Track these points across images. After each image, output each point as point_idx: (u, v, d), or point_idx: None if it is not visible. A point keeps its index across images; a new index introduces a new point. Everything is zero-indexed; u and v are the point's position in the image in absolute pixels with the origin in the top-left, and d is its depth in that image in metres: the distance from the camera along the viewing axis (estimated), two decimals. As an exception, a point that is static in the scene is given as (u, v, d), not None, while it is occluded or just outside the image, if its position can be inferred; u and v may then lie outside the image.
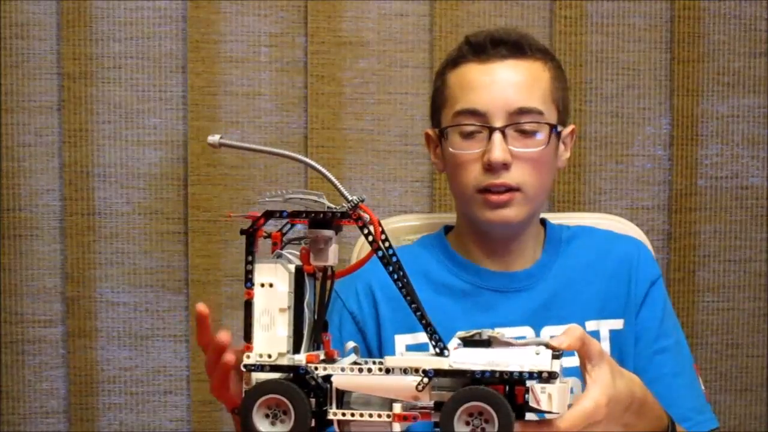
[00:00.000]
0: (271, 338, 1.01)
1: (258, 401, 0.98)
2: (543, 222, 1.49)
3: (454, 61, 1.41)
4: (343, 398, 1.00)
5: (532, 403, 0.95)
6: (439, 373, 0.96)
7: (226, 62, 2.05)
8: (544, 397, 0.95)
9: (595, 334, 1.38)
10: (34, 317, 2.06)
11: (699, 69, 2.13)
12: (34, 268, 2.06)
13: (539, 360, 0.96)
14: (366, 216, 1.00)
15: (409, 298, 0.99)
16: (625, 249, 1.46)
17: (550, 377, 0.95)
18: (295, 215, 1.01)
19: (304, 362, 0.99)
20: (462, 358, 0.97)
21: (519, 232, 1.41)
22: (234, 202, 2.06)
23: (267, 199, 1.03)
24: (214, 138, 1.03)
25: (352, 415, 0.99)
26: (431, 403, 0.97)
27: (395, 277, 1.00)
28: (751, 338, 2.18)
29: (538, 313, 1.39)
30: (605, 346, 1.38)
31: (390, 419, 0.98)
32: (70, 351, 2.06)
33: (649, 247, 1.58)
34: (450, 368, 0.96)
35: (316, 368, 0.99)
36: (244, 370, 1.00)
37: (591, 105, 2.12)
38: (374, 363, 0.99)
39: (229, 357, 1.02)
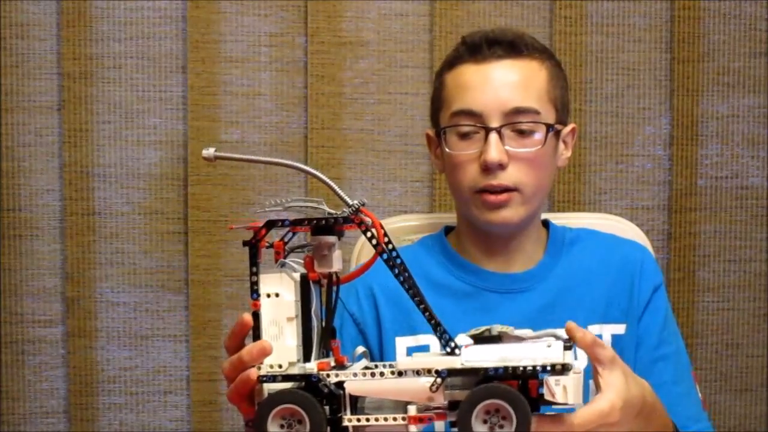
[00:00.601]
0: (281, 348, 1.01)
1: (272, 412, 0.98)
2: (546, 223, 1.48)
3: (451, 62, 1.41)
4: (356, 404, 1.00)
5: (548, 397, 0.95)
6: (452, 372, 0.96)
7: (226, 62, 2.05)
8: (559, 390, 0.94)
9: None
10: (34, 317, 2.06)
11: (699, 69, 2.13)
12: (34, 268, 2.06)
13: (551, 352, 0.95)
14: (368, 220, 1.00)
15: (417, 299, 0.99)
16: (629, 253, 1.45)
17: (563, 369, 0.94)
18: (297, 223, 1.01)
19: (315, 370, 0.99)
20: (474, 356, 0.97)
21: (518, 233, 1.41)
22: (234, 202, 2.06)
23: (267, 208, 1.03)
24: (208, 151, 1.03)
25: (367, 420, 0.99)
26: (446, 403, 0.97)
27: (401, 279, 0.99)
28: (751, 338, 2.18)
29: (539, 316, 1.38)
30: None
31: (405, 422, 0.98)
32: (70, 351, 2.06)
33: (650, 247, 1.58)
34: (462, 367, 0.96)
35: (328, 375, 0.99)
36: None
37: (591, 105, 2.12)
38: (386, 366, 0.99)
39: (254, 372, 1.01)
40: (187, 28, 2.04)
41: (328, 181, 1.02)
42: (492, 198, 1.34)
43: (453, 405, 0.96)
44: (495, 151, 1.33)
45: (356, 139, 2.08)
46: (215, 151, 1.03)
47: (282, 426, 0.98)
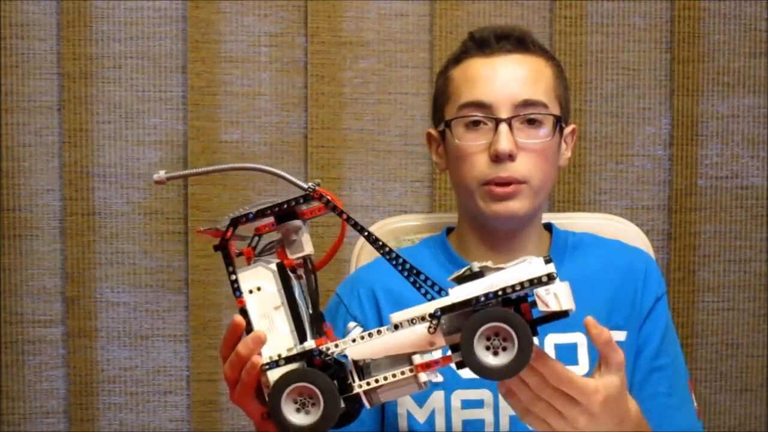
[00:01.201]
0: (276, 338, 1.02)
1: (284, 395, 0.99)
2: (549, 227, 1.48)
3: (458, 57, 1.41)
4: (363, 371, 1.01)
5: (542, 308, 0.97)
6: (445, 310, 0.98)
7: (226, 62, 2.05)
8: (551, 298, 0.97)
9: None
10: (34, 317, 2.06)
11: (699, 69, 2.13)
12: (34, 268, 2.06)
13: (533, 268, 0.98)
14: (326, 197, 1.02)
15: (389, 256, 1.02)
16: (633, 261, 1.44)
17: (549, 278, 0.97)
18: (260, 214, 1.03)
19: (314, 345, 1.00)
20: (462, 292, 0.98)
21: (520, 231, 1.41)
22: (234, 202, 2.06)
23: (231, 215, 1.05)
24: (159, 175, 1.05)
25: (377, 381, 1.00)
26: (448, 347, 0.98)
27: (379, 243, 1.02)
28: (751, 338, 2.18)
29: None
30: None
31: (413, 372, 0.99)
32: (70, 351, 2.06)
33: (650, 247, 1.58)
34: (454, 303, 0.98)
35: (328, 348, 1.00)
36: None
37: (591, 105, 2.12)
38: (383, 327, 1.01)
39: (258, 359, 1.02)
40: (187, 28, 2.04)
41: (279, 172, 1.04)
42: (500, 190, 1.34)
43: (455, 347, 0.98)
44: (506, 141, 1.32)
45: (356, 139, 2.08)
46: (165, 172, 1.05)
47: (298, 410, 0.99)
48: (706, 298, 2.17)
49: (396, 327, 0.99)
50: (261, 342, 1.02)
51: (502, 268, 0.99)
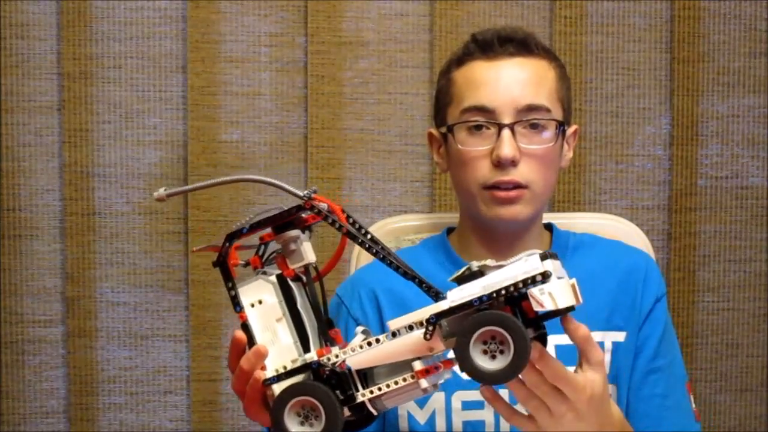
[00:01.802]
0: (280, 350, 1.02)
1: (285, 409, 0.99)
2: (550, 227, 1.48)
3: (460, 59, 1.40)
4: (366, 378, 1.00)
5: (537, 308, 0.95)
6: (440, 315, 0.97)
7: (226, 62, 2.05)
8: (546, 298, 0.95)
9: (600, 346, 1.37)
10: (34, 317, 2.06)
11: (699, 69, 2.13)
12: (34, 268, 2.06)
13: (529, 265, 0.96)
14: (323, 205, 1.01)
15: (394, 264, 1.01)
16: (634, 262, 1.44)
17: (543, 277, 0.94)
18: (255, 227, 1.02)
19: (315, 357, 1.00)
20: (458, 295, 0.97)
21: (522, 233, 1.41)
22: (234, 202, 2.06)
23: (234, 228, 1.04)
24: (159, 193, 1.05)
25: (379, 389, 1.00)
26: (449, 351, 0.98)
27: (373, 250, 1.01)
28: (751, 338, 2.18)
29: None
30: (606, 357, 1.37)
31: (414, 378, 0.98)
32: (70, 351, 2.06)
33: (650, 247, 1.58)
34: (449, 307, 0.97)
35: (329, 359, 1.00)
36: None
37: (591, 105, 2.12)
38: (381, 335, 1.00)
39: (260, 374, 1.02)
40: (187, 28, 2.04)
41: (275, 182, 1.03)
42: (502, 194, 1.34)
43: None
44: (509, 147, 1.32)
45: (356, 139, 2.08)
46: (165, 189, 1.05)
47: (302, 422, 0.99)
48: (706, 298, 2.17)
49: (394, 334, 0.99)
50: (262, 356, 1.02)
51: (502, 266, 0.98)
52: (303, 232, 1.04)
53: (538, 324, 0.99)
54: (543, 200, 1.39)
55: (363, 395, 1.00)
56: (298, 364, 1.01)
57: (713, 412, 2.17)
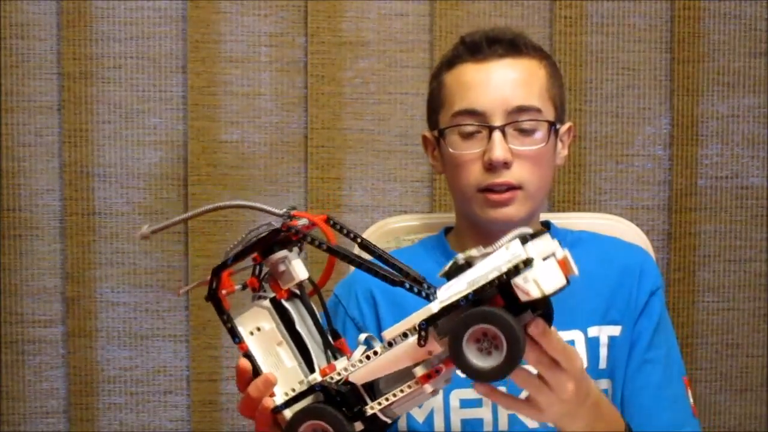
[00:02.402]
0: (285, 374, 1.02)
1: None
2: (547, 225, 1.48)
3: (450, 61, 1.40)
4: (373, 390, 1.00)
5: (525, 298, 0.93)
6: (431, 319, 0.95)
7: (226, 62, 2.05)
8: (531, 286, 0.92)
9: (596, 341, 1.37)
10: (34, 317, 2.06)
11: (699, 69, 2.13)
12: (34, 268, 2.06)
13: (511, 253, 0.94)
14: (303, 220, 1.00)
15: (373, 271, 1.00)
16: (630, 258, 1.44)
17: (525, 264, 0.92)
18: (239, 256, 1.01)
19: (318, 378, 1.00)
20: (446, 294, 0.96)
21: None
22: (234, 202, 2.06)
23: (230, 252, 1.03)
24: (143, 231, 1.04)
25: (387, 399, 0.99)
26: (447, 350, 0.97)
27: (356, 261, 1.00)
28: (751, 338, 2.18)
29: None
30: (603, 352, 1.37)
31: (419, 384, 0.98)
32: (70, 351, 2.06)
33: (650, 247, 1.58)
34: (437, 311, 0.95)
35: (332, 378, 0.99)
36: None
37: (591, 105, 2.12)
38: (378, 347, 0.99)
39: (269, 401, 1.03)
40: (187, 28, 2.04)
41: (251, 203, 1.02)
42: (496, 196, 1.35)
43: None
44: (500, 149, 1.33)
45: (356, 139, 2.08)
46: (148, 226, 1.04)
47: None
48: (706, 298, 2.17)
49: (390, 344, 0.98)
50: (271, 385, 1.03)
51: (489, 254, 0.96)
52: (291, 250, 1.02)
53: (541, 305, 0.96)
54: (538, 200, 1.39)
55: (372, 408, 0.99)
56: (304, 386, 1.00)
57: (713, 412, 2.17)
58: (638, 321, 1.40)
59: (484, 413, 1.35)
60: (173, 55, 2.05)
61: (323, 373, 1.00)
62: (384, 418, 1.01)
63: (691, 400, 1.41)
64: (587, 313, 1.39)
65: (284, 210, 1.00)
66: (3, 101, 2.02)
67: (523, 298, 0.93)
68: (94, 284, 2.06)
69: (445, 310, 0.95)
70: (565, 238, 1.46)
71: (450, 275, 0.98)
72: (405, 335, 0.97)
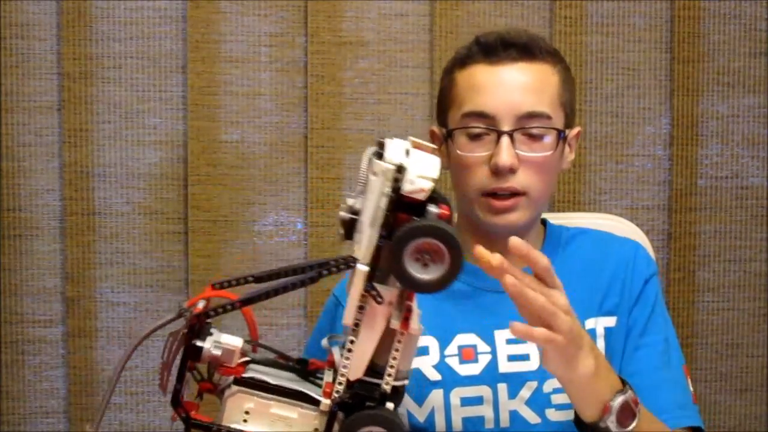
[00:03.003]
0: (300, 425, 1.00)
1: None
2: (544, 222, 1.48)
3: (463, 60, 1.40)
4: (376, 371, 0.99)
5: (422, 196, 0.94)
6: (369, 279, 0.95)
7: (226, 62, 2.05)
8: (421, 182, 0.94)
9: (592, 332, 1.38)
10: (34, 317, 2.06)
11: (699, 69, 2.13)
12: (34, 268, 2.06)
13: (381, 173, 0.94)
14: (199, 303, 1.00)
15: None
16: (622, 250, 1.45)
17: (400, 172, 0.93)
18: (181, 380, 1.05)
19: (328, 401, 0.98)
20: (363, 248, 0.95)
21: (521, 234, 1.41)
22: (234, 202, 2.06)
23: (162, 385, 1.06)
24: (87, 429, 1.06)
25: (392, 368, 0.99)
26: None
27: (272, 292, 0.99)
28: (751, 338, 2.18)
29: None
30: (600, 343, 1.38)
31: (404, 334, 0.98)
32: (70, 351, 2.06)
33: (649, 247, 1.58)
34: (369, 266, 0.95)
35: (338, 391, 0.99)
36: None
37: (591, 105, 2.12)
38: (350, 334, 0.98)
39: None
40: (187, 28, 2.04)
41: (145, 333, 1.06)
42: (499, 203, 1.35)
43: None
44: (507, 155, 1.32)
45: (356, 139, 2.08)
46: (90, 426, 1.06)
47: None
48: (706, 298, 2.17)
49: (356, 325, 0.97)
50: None
51: (363, 191, 0.97)
52: (211, 333, 1.01)
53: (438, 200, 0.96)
54: (540, 205, 1.40)
55: (387, 384, 0.98)
56: (325, 418, 0.99)
57: (713, 412, 2.17)
58: (633, 310, 1.41)
59: (486, 411, 1.35)
60: (173, 55, 2.05)
61: (327, 395, 0.99)
62: (401, 383, 1.00)
63: (691, 389, 1.40)
64: (584, 306, 1.39)
65: (178, 312, 1.01)
66: (3, 101, 2.02)
67: (421, 197, 0.93)
68: (94, 284, 2.06)
69: (374, 260, 0.95)
70: (560, 234, 1.47)
71: (349, 234, 0.97)
72: (362, 308, 0.97)
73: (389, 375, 0.98)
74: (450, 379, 1.36)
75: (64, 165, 2.04)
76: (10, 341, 2.06)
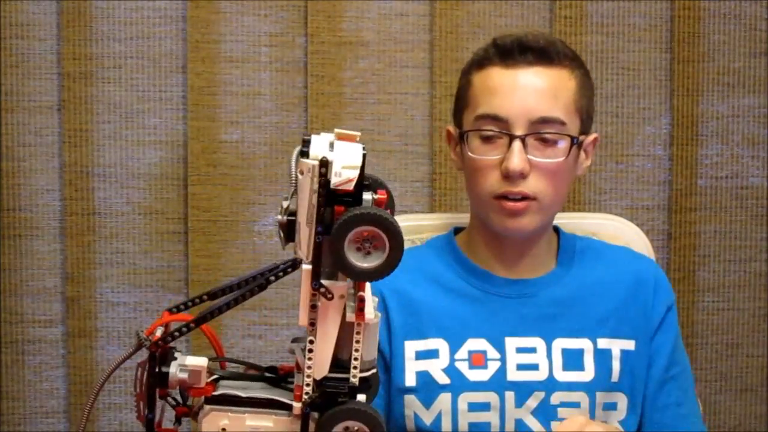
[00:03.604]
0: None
1: None
2: (556, 230, 1.48)
3: (480, 62, 1.39)
4: (341, 365, 0.98)
5: (348, 186, 0.92)
6: (315, 276, 0.94)
7: (226, 62, 2.05)
8: (346, 172, 0.93)
9: (607, 353, 1.37)
10: (34, 317, 2.06)
11: (699, 69, 2.13)
12: (34, 268, 2.06)
13: (307, 171, 0.93)
14: (157, 330, 1.01)
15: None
16: (642, 270, 1.45)
17: (324, 166, 0.93)
18: (152, 410, 1.05)
19: (299, 404, 0.98)
20: (303, 247, 0.94)
21: (533, 240, 1.41)
22: (234, 202, 2.06)
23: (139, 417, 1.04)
24: None
25: (356, 360, 0.98)
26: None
27: (225, 306, 1.01)
28: (751, 338, 2.18)
29: (549, 324, 1.38)
30: (615, 365, 1.38)
31: (360, 324, 0.96)
32: (70, 351, 2.06)
33: (650, 247, 1.58)
34: (312, 264, 0.94)
35: (307, 393, 0.98)
36: None
37: (591, 105, 2.12)
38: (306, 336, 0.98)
39: None
40: (187, 28, 2.04)
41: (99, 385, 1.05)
42: (510, 205, 1.34)
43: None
44: (518, 159, 1.32)
45: (356, 139, 2.08)
46: None
47: None
48: (706, 298, 2.17)
49: (312, 324, 0.96)
50: None
51: (294, 191, 0.96)
52: (176, 357, 1.02)
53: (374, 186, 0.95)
54: (552, 212, 1.39)
55: (354, 377, 0.98)
56: (298, 421, 0.98)
57: (713, 412, 2.17)
58: (655, 337, 1.41)
59: (492, 417, 1.35)
60: (173, 55, 2.05)
61: (298, 398, 0.98)
62: (369, 374, 0.99)
63: (700, 407, 1.46)
64: (596, 322, 1.39)
65: (137, 342, 1.02)
66: (3, 101, 2.02)
67: (349, 187, 0.93)
68: (94, 284, 2.06)
69: (316, 258, 0.94)
70: (574, 244, 1.46)
71: (290, 236, 0.96)
72: (314, 307, 0.96)
73: (354, 368, 0.98)
74: (458, 384, 1.36)
75: (64, 165, 2.04)
76: (10, 341, 2.06)
